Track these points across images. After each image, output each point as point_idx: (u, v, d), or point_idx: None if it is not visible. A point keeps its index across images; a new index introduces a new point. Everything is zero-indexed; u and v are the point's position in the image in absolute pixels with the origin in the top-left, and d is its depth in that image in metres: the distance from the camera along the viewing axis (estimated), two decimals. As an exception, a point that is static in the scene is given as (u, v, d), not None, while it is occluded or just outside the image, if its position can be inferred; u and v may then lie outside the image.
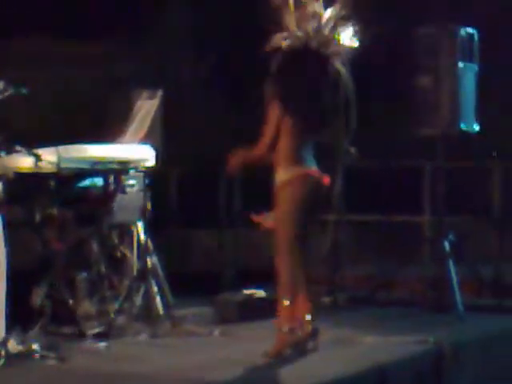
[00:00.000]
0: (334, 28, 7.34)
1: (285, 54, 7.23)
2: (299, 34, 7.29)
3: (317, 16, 7.32)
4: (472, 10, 12.75)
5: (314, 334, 7.11)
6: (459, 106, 9.00)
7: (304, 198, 7.08)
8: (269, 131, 7.11)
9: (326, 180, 7.15)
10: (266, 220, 7.19)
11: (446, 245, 8.83)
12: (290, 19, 7.30)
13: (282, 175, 7.08)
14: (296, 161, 7.10)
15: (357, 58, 8.40)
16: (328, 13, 7.31)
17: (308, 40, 7.28)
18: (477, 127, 9.14)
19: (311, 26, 7.30)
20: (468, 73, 9.10)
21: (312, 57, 7.28)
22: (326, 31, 7.32)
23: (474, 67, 9.16)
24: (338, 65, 7.60)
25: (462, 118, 9.01)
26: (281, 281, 7.08)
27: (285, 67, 7.24)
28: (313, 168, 7.15)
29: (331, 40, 7.33)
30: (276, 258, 7.09)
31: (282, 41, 7.28)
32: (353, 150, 8.27)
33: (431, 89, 9.04)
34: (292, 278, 7.06)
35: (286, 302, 7.00)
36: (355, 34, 8.40)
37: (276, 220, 7.11)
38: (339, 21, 7.34)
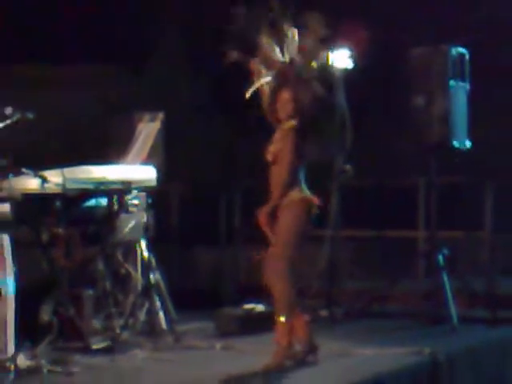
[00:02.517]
0: (313, 54, 7.33)
1: (276, 83, 7.26)
2: (282, 66, 7.31)
3: (295, 43, 7.33)
4: (461, 31, 12.82)
5: (313, 349, 7.14)
6: (451, 123, 8.96)
7: (300, 222, 7.09)
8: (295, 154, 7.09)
9: (316, 201, 7.14)
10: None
11: (440, 258, 8.80)
12: (273, 50, 7.32)
13: (292, 196, 7.06)
14: (293, 185, 7.10)
15: (353, 79, 8.50)
16: (307, 40, 7.31)
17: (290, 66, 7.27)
18: (469, 144, 9.10)
19: (292, 53, 7.31)
20: (459, 91, 9.08)
21: (300, 81, 7.28)
22: (305, 58, 7.31)
23: (465, 85, 9.13)
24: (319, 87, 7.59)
25: (455, 135, 8.98)
26: (276, 298, 7.08)
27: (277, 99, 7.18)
28: (306, 191, 7.15)
29: (310, 65, 7.30)
30: (270, 278, 7.07)
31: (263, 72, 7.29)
32: (348, 168, 8.32)
33: (424, 107, 9.01)
34: (289, 297, 7.04)
35: (282, 318, 7.00)
36: (350, 55, 8.52)
37: (274, 241, 7.09)
38: (317, 46, 7.34)
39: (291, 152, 7.05)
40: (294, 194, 7.10)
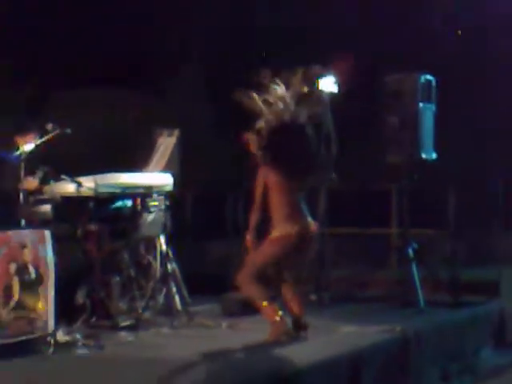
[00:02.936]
0: (299, 102, 7.29)
1: (267, 131, 7.18)
2: (270, 116, 7.27)
3: (282, 98, 7.30)
4: (430, 59, 12.78)
5: (304, 327, 7.14)
6: (420, 138, 8.92)
7: (276, 257, 7.05)
8: (258, 194, 7.05)
9: (314, 229, 7.10)
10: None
11: (410, 252, 8.79)
12: (261, 107, 7.28)
13: (278, 230, 6.99)
14: (290, 217, 6.98)
15: (338, 101, 8.47)
16: (289, 93, 7.28)
17: (280, 118, 7.23)
18: (434, 155, 9.07)
19: (279, 107, 7.27)
20: (427, 111, 9.04)
21: (289, 128, 7.22)
22: (292, 107, 7.27)
23: (432, 107, 9.10)
24: (320, 110, 7.53)
25: (422, 148, 8.95)
26: (250, 295, 7.13)
27: (270, 141, 7.14)
28: (304, 220, 7.03)
29: (299, 112, 7.25)
30: (241, 275, 7.11)
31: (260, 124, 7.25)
32: (333, 175, 8.29)
33: (397, 125, 8.96)
34: (255, 295, 7.05)
35: (265, 303, 6.99)
36: (335, 82, 8.51)
37: (259, 249, 7.09)
38: (301, 96, 7.30)
39: (277, 192, 6.98)
40: (280, 229, 7.01)
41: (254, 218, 7.16)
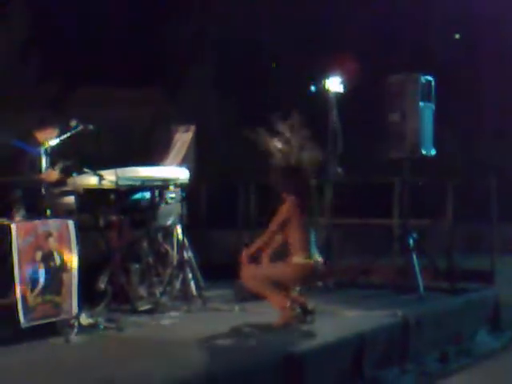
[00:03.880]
0: (301, 148, 7.31)
1: (279, 170, 7.22)
2: (279, 157, 7.29)
3: (288, 142, 7.32)
4: (431, 60, 12.73)
5: (311, 312, 7.13)
6: (420, 135, 8.88)
7: (298, 279, 7.06)
8: (277, 224, 7.02)
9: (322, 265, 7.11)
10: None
11: (411, 241, 8.76)
12: (271, 148, 7.31)
13: (300, 257, 6.95)
14: (305, 250, 6.98)
15: (344, 100, 8.44)
16: (294, 137, 7.31)
17: (287, 160, 7.26)
18: (434, 151, 9.03)
19: (283, 148, 7.29)
20: (427, 110, 8.99)
21: (296, 171, 7.24)
22: (295, 153, 7.29)
23: (432, 106, 9.04)
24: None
25: (423, 145, 8.91)
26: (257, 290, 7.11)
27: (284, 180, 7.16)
28: (315, 256, 7.03)
29: (302, 156, 7.28)
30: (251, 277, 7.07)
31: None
32: (339, 170, 8.26)
33: (399, 123, 8.92)
34: (264, 291, 7.01)
35: (273, 294, 6.97)
36: (341, 82, 8.48)
37: (277, 265, 7.06)
38: (302, 141, 7.32)
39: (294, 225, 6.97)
40: (301, 257, 6.99)
41: (261, 242, 7.15)
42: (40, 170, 7.33)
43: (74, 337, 6.54)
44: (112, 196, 7.78)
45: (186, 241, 8.19)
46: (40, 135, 7.68)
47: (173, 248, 8.27)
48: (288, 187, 7.09)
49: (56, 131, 7.71)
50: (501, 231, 9.78)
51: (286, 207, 7.02)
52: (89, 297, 7.16)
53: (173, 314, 7.59)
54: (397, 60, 11.65)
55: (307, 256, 6.98)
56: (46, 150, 7.37)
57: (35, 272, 6.45)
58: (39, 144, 7.58)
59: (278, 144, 7.20)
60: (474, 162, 13.44)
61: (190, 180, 8.40)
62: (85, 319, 6.86)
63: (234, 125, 12.08)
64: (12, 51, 13.97)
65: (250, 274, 7.09)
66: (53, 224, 6.70)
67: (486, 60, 15.22)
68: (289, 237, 7.02)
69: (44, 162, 7.45)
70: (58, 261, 6.62)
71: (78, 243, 6.78)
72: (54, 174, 7.33)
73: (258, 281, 7.01)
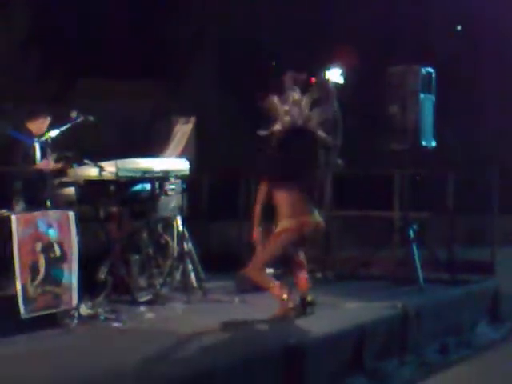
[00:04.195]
0: (313, 107, 7.30)
1: (280, 134, 7.20)
2: (286, 118, 7.27)
3: (298, 103, 7.30)
4: (432, 51, 12.68)
5: (311, 303, 7.13)
6: (420, 127, 8.86)
7: (281, 248, 7.02)
8: (260, 199, 7.06)
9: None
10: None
11: (411, 233, 8.76)
12: (278, 110, 7.29)
13: (283, 223, 6.96)
14: (293, 214, 6.94)
15: (344, 91, 8.42)
16: (305, 98, 7.28)
17: (294, 122, 7.24)
18: (434, 143, 9.02)
19: (295, 111, 7.29)
20: (427, 102, 8.97)
21: (299, 133, 7.19)
22: (306, 111, 7.28)
23: (432, 97, 9.03)
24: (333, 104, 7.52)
25: (423, 137, 8.89)
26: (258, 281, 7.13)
27: (280, 143, 7.18)
28: (303, 217, 6.97)
29: (311, 117, 7.26)
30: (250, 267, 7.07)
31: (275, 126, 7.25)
32: (340, 161, 8.26)
33: (399, 114, 8.89)
34: (265, 279, 7.04)
35: (272, 285, 6.99)
36: (341, 73, 8.47)
37: (265, 244, 7.04)
38: (315, 102, 7.31)
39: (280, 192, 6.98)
40: (283, 223, 6.99)
41: (256, 210, 7.13)
42: (34, 161, 7.36)
43: (74, 327, 6.55)
44: (112, 187, 7.78)
45: (186, 232, 8.19)
46: (32, 126, 7.67)
47: (173, 239, 8.28)
48: (281, 151, 7.06)
49: (47, 121, 7.70)
50: (501, 223, 9.79)
51: (262, 187, 7.04)
52: (89, 288, 7.17)
53: (173, 305, 7.60)
54: (397, 52, 11.61)
55: (291, 220, 6.93)
56: (44, 140, 7.37)
57: (35, 263, 6.46)
58: (32, 134, 7.59)
59: (286, 106, 7.19)
60: (474, 153, 13.42)
61: (190, 171, 8.41)
62: (85, 310, 6.87)
63: (234, 117, 12.11)
64: (13, 43, 13.97)
65: (252, 265, 7.08)
66: (53, 215, 6.72)
67: (486, 51, 15.20)
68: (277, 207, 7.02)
69: (38, 152, 7.48)
70: (58, 252, 6.63)
71: (78, 234, 6.79)
72: (50, 164, 7.34)
73: (258, 269, 7.01)
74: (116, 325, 6.78)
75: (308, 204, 7.05)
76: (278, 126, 7.24)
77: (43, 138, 7.39)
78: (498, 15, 14.65)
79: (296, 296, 7.08)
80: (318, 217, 7.07)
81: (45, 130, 7.67)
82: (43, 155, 7.52)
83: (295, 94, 7.23)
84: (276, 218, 7.04)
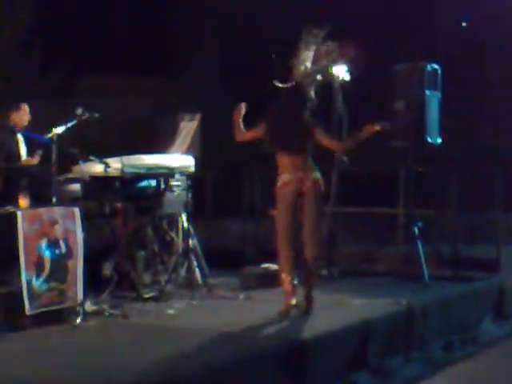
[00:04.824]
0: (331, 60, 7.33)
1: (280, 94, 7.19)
2: (307, 67, 7.26)
3: (304, 62, 7.32)
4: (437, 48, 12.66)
5: (311, 300, 7.07)
6: (425, 124, 8.86)
7: (294, 197, 6.90)
8: (250, 134, 7.09)
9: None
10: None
11: (416, 230, 8.73)
12: (305, 58, 7.30)
13: (282, 177, 6.93)
14: (287, 170, 6.91)
15: (350, 88, 8.40)
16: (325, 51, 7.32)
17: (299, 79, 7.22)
18: (439, 140, 9.00)
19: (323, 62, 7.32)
20: (433, 99, 8.97)
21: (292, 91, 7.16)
22: (324, 62, 7.30)
23: (438, 94, 9.03)
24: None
25: (428, 133, 8.88)
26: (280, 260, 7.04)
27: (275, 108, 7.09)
28: (293, 174, 6.90)
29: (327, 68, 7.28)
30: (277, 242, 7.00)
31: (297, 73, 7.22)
32: (345, 158, 8.24)
33: (405, 111, 8.89)
34: (285, 258, 6.96)
35: (284, 275, 6.96)
36: (347, 70, 8.44)
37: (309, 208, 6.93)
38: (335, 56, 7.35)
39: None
40: (282, 177, 6.95)
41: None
42: (19, 156, 7.56)
43: (79, 324, 6.58)
44: (117, 183, 7.81)
45: (191, 228, 8.20)
46: (15, 118, 8.11)
47: (178, 235, 8.31)
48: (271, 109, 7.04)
49: (27, 113, 8.12)
50: (505, 220, 9.79)
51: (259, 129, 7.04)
52: (94, 284, 7.21)
53: (177, 301, 7.61)
54: (403, 49, 11.61)
55: (291, 173, 6.90)
56: (50, 137, 7.43)
57: (40, 260, 6.50)
58: (16, 127, 8.06)
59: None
60: (478, 151, 13.43)
61: (195, 168, 8.43)
62: (90, 306, 6.91)
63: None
64: (14, 42, 14.06)
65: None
66: (58, 211, 6.75)
67: (490, 50, 15.21)
68: None
69: (23, 145, 7.71)
70: (63, 248, 6.67)
71: (83, 230, 6.83)
72: (33, 161, 7.47)
73: (279, 245, 6.97)
74: (121, 321, 6.80)
75: (305, 163, 6.95)
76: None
77: (50, 135, 7.44)
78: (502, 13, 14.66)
79: (300, 292, 7.07)
80: (316, 174, 6.99)
81: (26, 120, 8.07)
82: (29, 148, 7.73)
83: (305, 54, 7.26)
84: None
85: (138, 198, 8.01)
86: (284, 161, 6.94)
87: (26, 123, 8.18)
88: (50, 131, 7.41)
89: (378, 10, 13.88)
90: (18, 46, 14.07)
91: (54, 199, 7.11)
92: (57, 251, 6.61)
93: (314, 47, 7.39)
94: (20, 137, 8.25)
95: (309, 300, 7.06)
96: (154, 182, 8.09)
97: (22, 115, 8.21)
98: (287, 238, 6.93)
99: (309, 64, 7.37)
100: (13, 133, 8.19)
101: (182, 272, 8.14)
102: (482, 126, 14.74)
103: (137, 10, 14.87)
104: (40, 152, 7.81)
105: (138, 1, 14.91)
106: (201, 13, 15.29)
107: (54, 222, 6.63)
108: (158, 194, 8.07)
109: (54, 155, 7.25)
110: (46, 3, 13.98)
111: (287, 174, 6.92)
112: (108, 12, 14.61)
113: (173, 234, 8.35)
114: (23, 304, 6.33)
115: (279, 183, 6.97)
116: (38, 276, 6.45)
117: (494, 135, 14.78)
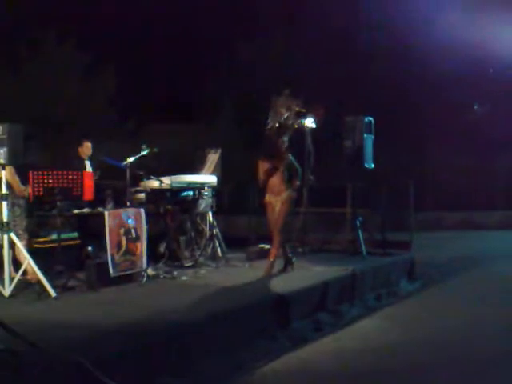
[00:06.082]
0: (296, 117, 7.25)
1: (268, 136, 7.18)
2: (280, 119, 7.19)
3: (290, 109, 7.23)
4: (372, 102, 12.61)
5: (290, 262, 7.13)
6: (364, 155, 8.80)
7: (287, 210, 7.07)
8: (261, 175, 7.07)
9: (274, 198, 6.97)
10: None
11: (357, 223, 8.70)
12: (279, 110, 7.22)
13: (282, 197, 6.95)
14: (284, 189, 7.00)
15: (315, 132, 8.41)
16: (294, 108, 7.22)
17: (284, 122, 7.02)
18: (373, 165, 8.91)
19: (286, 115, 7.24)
20: (368, 139, 8.90)
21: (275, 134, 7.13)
22: (292, 119, 7.23)
23: (372, 136, 8.95)
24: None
25: (366, 161, 8.82)
26: (276, 239, 7.03)
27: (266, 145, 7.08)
28: (289, 191, 6.97)
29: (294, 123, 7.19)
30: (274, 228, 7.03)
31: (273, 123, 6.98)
32: (312, 177, 8.27)
33: (351, 147, 8.84)
34: (279, 241, 7.02)
35: (274, 249, 7.01)
36: (313, 121, 8.48)
37: (278, 214, 7.01)
38: (299, 113, 7.26)
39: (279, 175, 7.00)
40: (285, 195, 7.00)
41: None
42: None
43: (144, 283, 6.63)
44: (168, 193, 7.76)
45: (214, 222, 8.20)
46: (81, 150, 7.68)
47: (206, 226, 8.27)
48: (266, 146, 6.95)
49: (89, 147, 7.65)
50: (416, 216, 9.77)
51: (261, 170, 6.96)
52: (153, 257, 7.22)
53: (206, 268, 7.59)
54: (351, 106, 11.62)
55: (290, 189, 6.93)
56: (126, 164, 7.33)
57: (119, 241, 6.54)
58: (82, 156, 7.58)
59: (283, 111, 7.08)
60: (398, 170, 13.38)
61: (217, 183, 8.38)
62: (150, 271, 6.93)
63: (246, 148, 12.09)
64: (103, 99, 13.98)
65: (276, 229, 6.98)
66: (131, 211, 6.79)
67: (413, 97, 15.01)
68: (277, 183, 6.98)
69: (89, 168, 7.44)
70: (134, 234, 6.70)
71: (146, 223, 6.84)
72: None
73: (279, 231, 6.95)
74: (170, 280, 6.81)
75: (280, 188, 7.00)
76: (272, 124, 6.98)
77: (125, 162, 7.34)
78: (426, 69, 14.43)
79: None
80: (285, 194, 7.03)
81: (89, 152, 7.60)
82: (94, 169, 7.47)
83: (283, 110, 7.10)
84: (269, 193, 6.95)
85: (181, 202, 7.94)
86: (268, 187, 7.00)
87: (89, 153, 7.66)
88: (125, 160, 7.45)
89: (335, 77, 13.82)
90: (103, 103, 14.02)
91: (128, 203, 7.15)
92: (130, 236, 6.65)
93: (286, 103, 7.20)
94: (87, 162, 7.73)
95: (287, 265, 7.07)
96: (191, 192, 8.03)
97: (85, 148, 7.68)
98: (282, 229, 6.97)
99: (285, 116, 7.18)
100: (81, 160, 7.74)
101: (209, 250, 8.11)
102: (402, 153, 14.72)
103: (177, 75, 14.72)
104: (98, 173, 7.45)
105: (176, 69, 14.73)
106: (224, 76, 15.08)
107: (128, 218, 6.68)
108: (194, 200, 8.03)
109: (127, 175, 7.29)
110: (123, 75, 13.80)
111: (290, 190, 7.03)
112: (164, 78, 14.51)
113: (203, 225, 8.29)
114: (109, 269, 6.39)
115: (286, 197, 7.02)
116: (117, 252, 6.50)
117: (410, 159, 14.77)
